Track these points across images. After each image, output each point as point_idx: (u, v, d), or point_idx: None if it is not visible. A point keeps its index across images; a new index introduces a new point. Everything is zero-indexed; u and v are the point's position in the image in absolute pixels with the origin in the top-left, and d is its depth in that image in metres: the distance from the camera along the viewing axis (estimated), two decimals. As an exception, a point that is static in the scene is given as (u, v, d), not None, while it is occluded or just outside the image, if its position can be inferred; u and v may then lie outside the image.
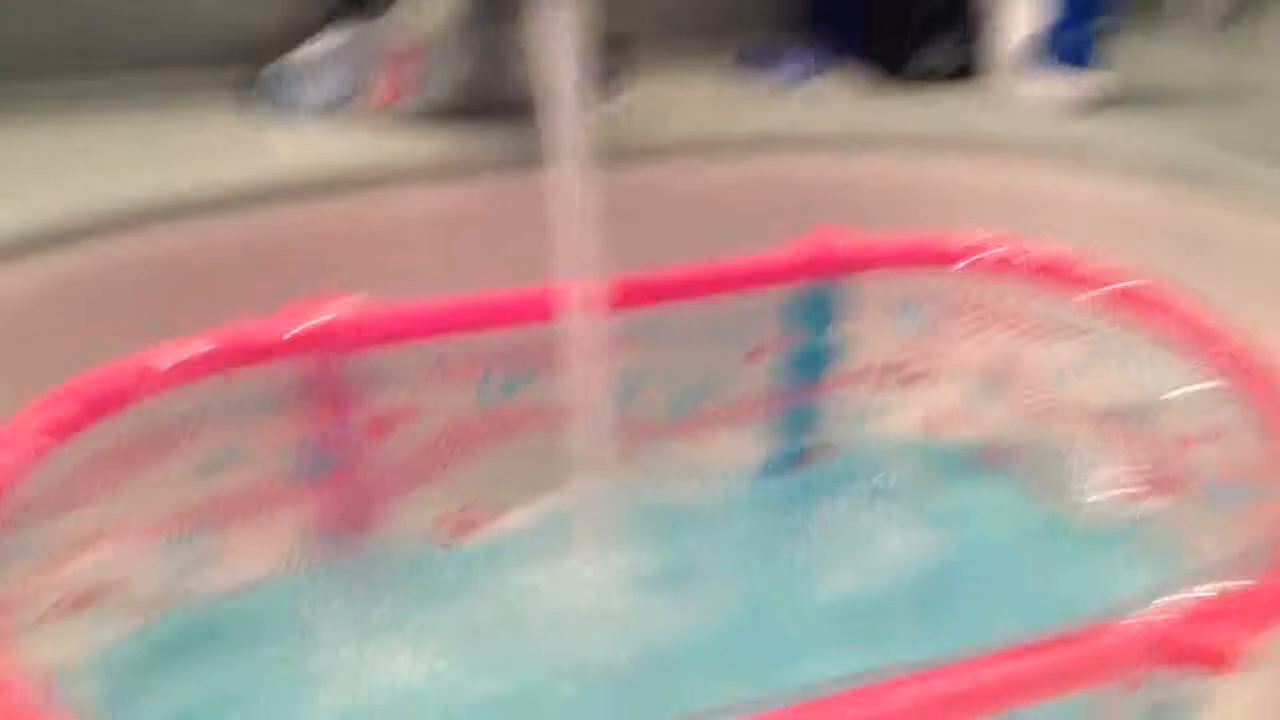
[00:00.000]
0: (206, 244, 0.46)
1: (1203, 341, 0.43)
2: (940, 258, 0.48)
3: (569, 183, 0.41)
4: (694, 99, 0.60)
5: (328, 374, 0.40)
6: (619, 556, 0.45)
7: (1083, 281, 0.47)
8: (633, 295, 0.44)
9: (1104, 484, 0.50)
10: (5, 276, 0.41)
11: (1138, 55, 0.67)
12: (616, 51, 0.58)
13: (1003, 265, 0.48)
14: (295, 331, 0.39)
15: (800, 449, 0.52)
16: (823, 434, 0.52)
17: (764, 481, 0.51)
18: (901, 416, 0.53)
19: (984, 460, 0.53)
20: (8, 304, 0.41)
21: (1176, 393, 0.46)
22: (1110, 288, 0.46)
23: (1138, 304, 0.46)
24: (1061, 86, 0.60)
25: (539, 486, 0.46)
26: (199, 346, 0.38)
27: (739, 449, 0.50)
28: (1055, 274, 0.47)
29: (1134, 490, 0.50)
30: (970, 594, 0.49)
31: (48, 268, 0.42)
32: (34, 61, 0.53)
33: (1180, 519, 0.48)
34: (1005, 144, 0.57)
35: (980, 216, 0.57)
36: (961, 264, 0.48)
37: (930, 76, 0.64)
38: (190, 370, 0.37)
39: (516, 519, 0.47)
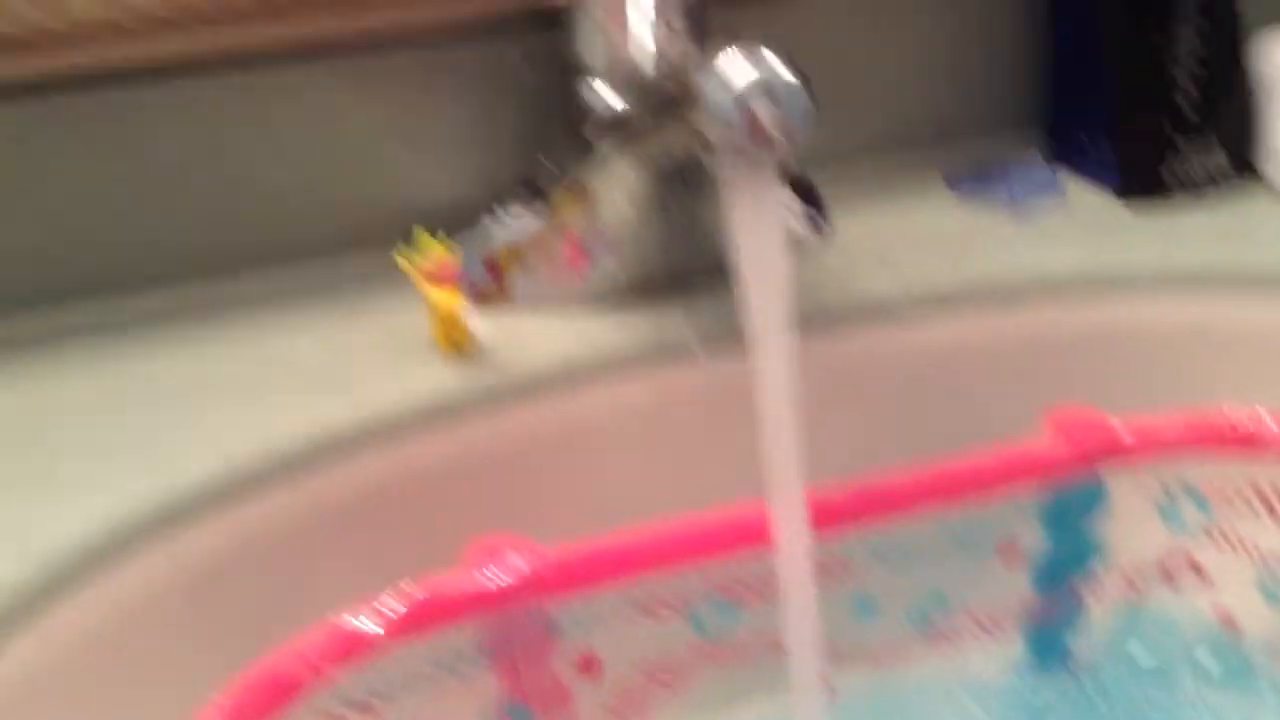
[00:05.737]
0: (394, 471, 0.43)
1: None
2: (1233, 439, 0.40)
3: (775, 375, 0.36)
4: (907, 236, 0.53)
5: (524, 622, 0.37)
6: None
7: None
8: (860, 507, 0.38)
9: None
10: (196, 531, 0.39)
11: None
12: (809, 192, 0.53)
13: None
14: (489, 582, 0.36)
15: (1066, 654, 0.45)
16: (1091, 638, 0.45)
17: (1027, 693, 0.45)
18: (1183, 617, 0.45)
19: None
20: (193, 564, 0.39)
21: None
22: None
23: None
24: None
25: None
26: (390, 608, 0.35)
27: (993, 660, 0.44)
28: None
29: None
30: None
31: (237, 516, 0.40)
32: (210, 262, 0.51)
33: None
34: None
35: (1267, 368, 0.49)
36: (1261, 446, 0.40)
37: (1189, 190, 0.56)
38: (388, 634, 0.34)
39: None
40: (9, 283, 0.48)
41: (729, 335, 0.46)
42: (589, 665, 0.39)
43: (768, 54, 0.35)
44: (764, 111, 0.35)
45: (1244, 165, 0.57)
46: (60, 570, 0.36)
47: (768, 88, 0.35)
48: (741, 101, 0.35)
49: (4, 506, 0.38)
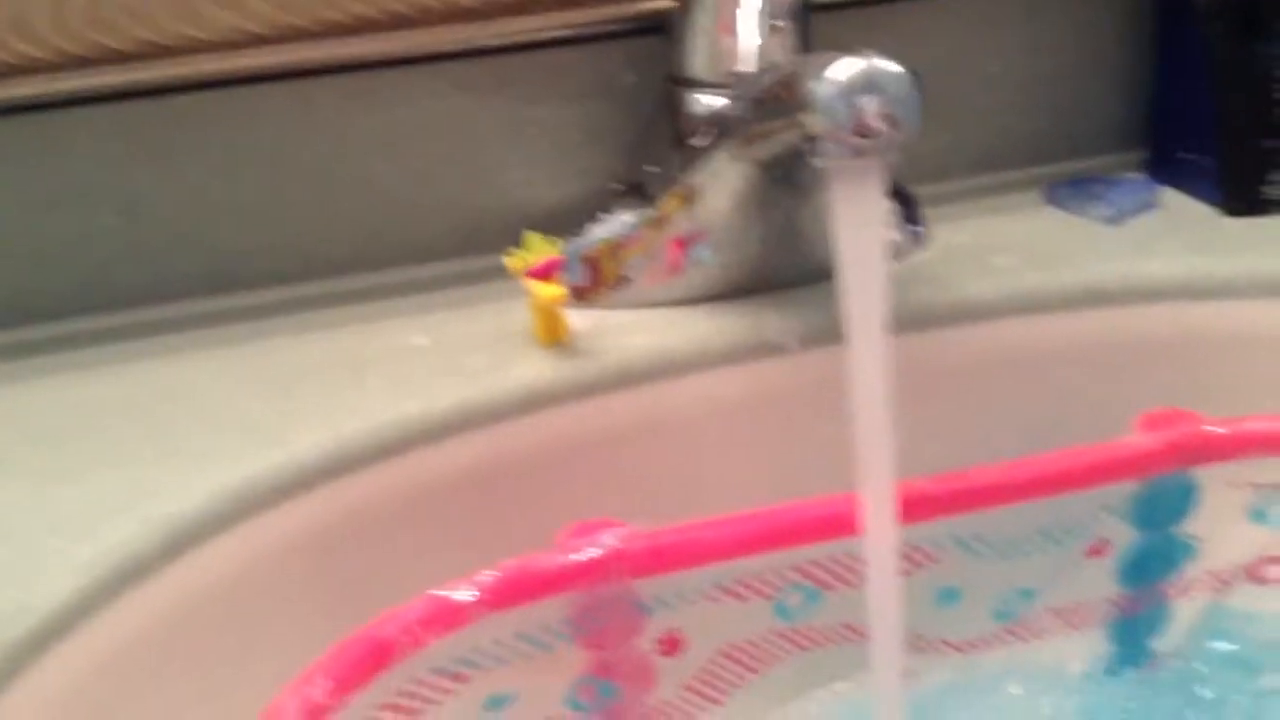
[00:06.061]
0: (498, 453, 0.45)
1: None
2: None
3: (870, 370, 0.36)
4: (1005, 244, 0.53)
5: (612, 600, 0.38)
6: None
7: None
8: (949, 499, 0.39)
9: None
10: (307, 503, 0.41)
11: None
12: (904, 197, 0.54)
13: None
14: (581, 559, 0.37)
15: (1150, 650, 0.45)
16: (1175, 634, 0.44)
17: (1110, 686, 0.44)
18: (1269, 615, 0.45)
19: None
20: (303, 535, 0.41)
21: None
22: None
23: None
24: None
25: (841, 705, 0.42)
26: (485, 581, 0.36)
27: (1075, 655, 0.44)
28: None
29: None
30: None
31: (346, 492, 0.42)
32: (327, 259, 0.53)
33: None
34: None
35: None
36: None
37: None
38: (483, 606, 0.36)
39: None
40: (135, 277, 0.52)
41: (824, 332, 0.47)
42: (673, 644, 0.40)
43: (874, 52, 0.35)
44: (871, 105, 0.34)
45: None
46: (179, 536, 0.39)
47: (875, 82, 0.34)
48: (848, 95, 0.34)
49: (131, 475, 0.41)
